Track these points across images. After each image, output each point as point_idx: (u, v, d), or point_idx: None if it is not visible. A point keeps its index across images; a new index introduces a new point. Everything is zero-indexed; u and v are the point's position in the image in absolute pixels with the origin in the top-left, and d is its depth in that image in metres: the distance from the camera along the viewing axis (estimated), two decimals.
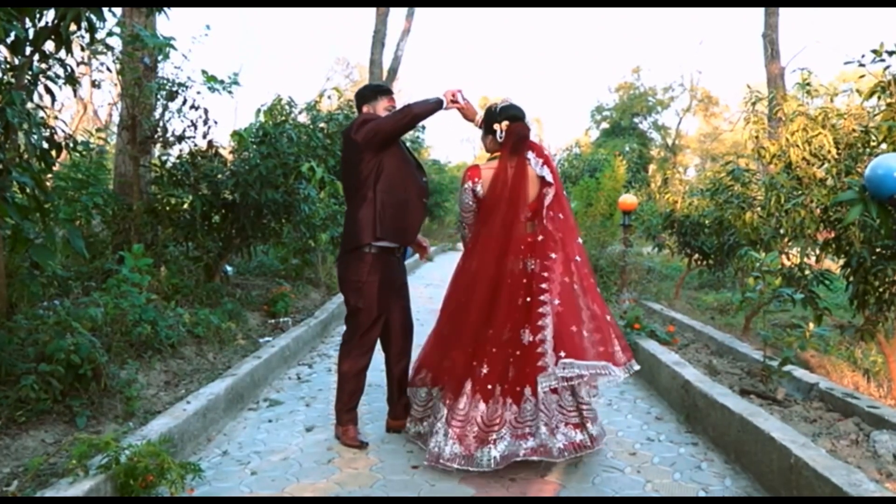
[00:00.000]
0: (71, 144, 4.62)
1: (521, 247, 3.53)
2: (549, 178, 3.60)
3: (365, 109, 3.86)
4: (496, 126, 3.62)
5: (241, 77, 7.04)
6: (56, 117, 4.74)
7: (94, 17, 4.06)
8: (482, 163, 3.69)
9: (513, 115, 3.61)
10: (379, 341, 4.00)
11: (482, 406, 3.42)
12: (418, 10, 22.13)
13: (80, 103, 22.01)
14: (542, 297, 3.45)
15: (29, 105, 4.17)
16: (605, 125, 39.91)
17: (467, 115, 3.81)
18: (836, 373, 4.95)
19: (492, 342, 3.44)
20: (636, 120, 39.71)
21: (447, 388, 3.56)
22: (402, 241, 3.82)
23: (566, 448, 3.39)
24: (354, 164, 3.73)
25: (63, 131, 4.57)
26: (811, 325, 4.12)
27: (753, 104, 6.28)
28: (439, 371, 3.67)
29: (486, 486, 3.29)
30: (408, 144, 3.99)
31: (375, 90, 3.95)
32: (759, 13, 17.45)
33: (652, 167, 35.19)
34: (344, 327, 3.96)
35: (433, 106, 3.70)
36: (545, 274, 3.49)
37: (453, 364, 3.55)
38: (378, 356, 4.07)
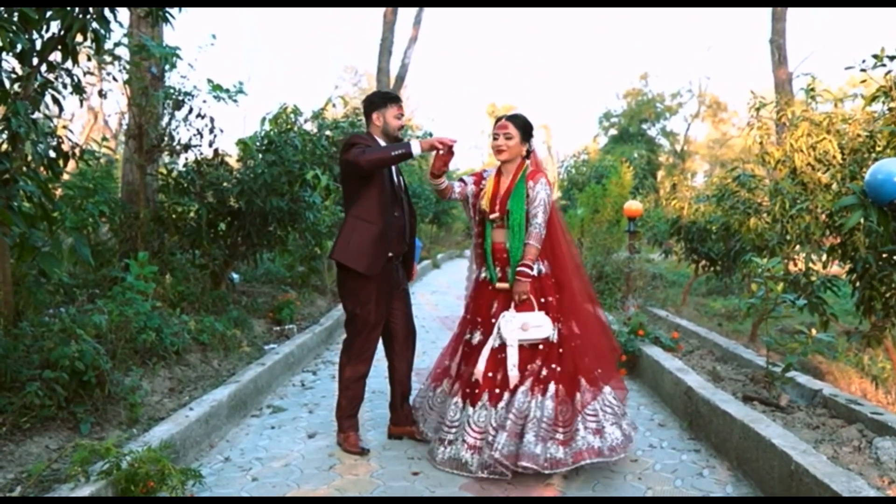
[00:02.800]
0: (78, 153, 4.66)
1: None
2: None
3: (374, 116, 3.85)
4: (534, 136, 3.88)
5: (250, 86, 7.10)
6: (65, 126, 4.78)
7: (99, 28, 4.12)
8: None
9: None
10: (382, 347, 4.01)
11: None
12: (426, 18, 22.25)
13: (91, 112, 22.22)
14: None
15: (37, 115, 4.22)
16: (613, 132, 39.86)
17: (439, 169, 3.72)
18: (844, 379, 4.92)
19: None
20: (644, 126, 39.65)
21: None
22: (361, 268, 3.70)
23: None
24: (343, 181, 3.84)
25: (70, 140, 4.62)
26: (813, 331, 4.10)
27: (758, 110, 6.26)
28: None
29: (485, 492, 3.29)
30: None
31: (385, 97, 3.95)
32: (766, 19, 17.43)
33: (661, 173, 35.14)
34: None
35: (403, 154, 3.61)
36: None
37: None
38: (380, 362, 4.08)
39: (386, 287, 3.82)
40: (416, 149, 3.59)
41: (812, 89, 5.96)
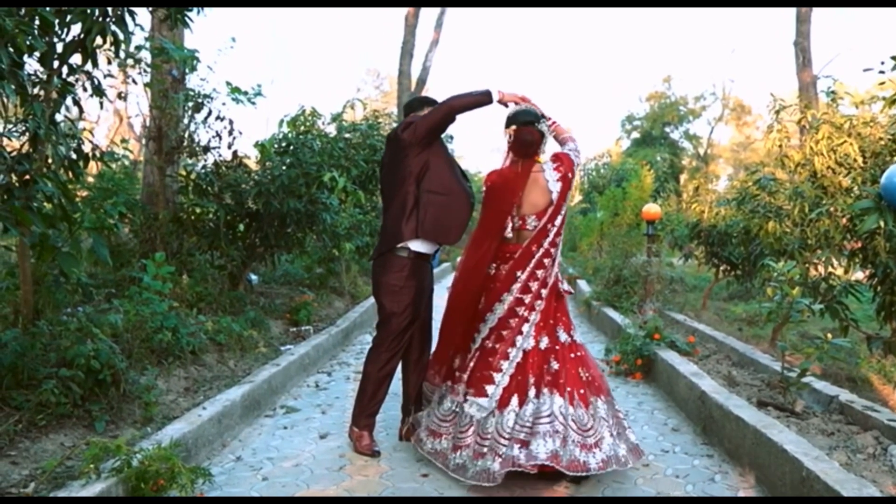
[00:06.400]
0: (98, 155, 4.73)
1: (505, 254, 3.63)
2: (555, 195, 3.62)
3: (412, 118, 3.92)
4: (506, 131, 3.70)
5: (273, 89, 7.22)
6: (87, 129, 4.84)
7: (118, 31, 4.18)
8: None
9: (521, 120, 3.66)
10: None
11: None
12: (447, 21, 22.27)
13: (117, 115, 22.54)
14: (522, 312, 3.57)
15: (58, 116, 4.29)
16: (635, 135, 39.61)
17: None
18: (866, 386, 4.85)
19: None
20: (667, 129, 39.35)
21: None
22: (445, 239, 3.82)
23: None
24: (398, 163, 3.78)
25: (90, 142, 4.68)
26: (829, 336, 4.04)
27: (777, 112, 6.19)
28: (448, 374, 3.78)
29: (493, 493, 3.28)
30: None
31: (422, 101, 4.09)
32: (791, 21, 17.25)
33: (683, 177, 34.84)
34: (366, 335, 4.02)
35: (478, 99, 3.70)
36: (533, 286, 3.59)
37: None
38: None
39: (421, 287, 3.86)
40: (495, 95, 3.69)
41: (833, 92, 5.88)
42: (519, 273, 3.58)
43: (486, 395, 3.42)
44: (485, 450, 3.32)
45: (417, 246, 3.75)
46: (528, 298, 3.56)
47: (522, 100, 3.77)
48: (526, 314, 3.55)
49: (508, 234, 3.62)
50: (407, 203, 3.71)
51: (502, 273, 3.62)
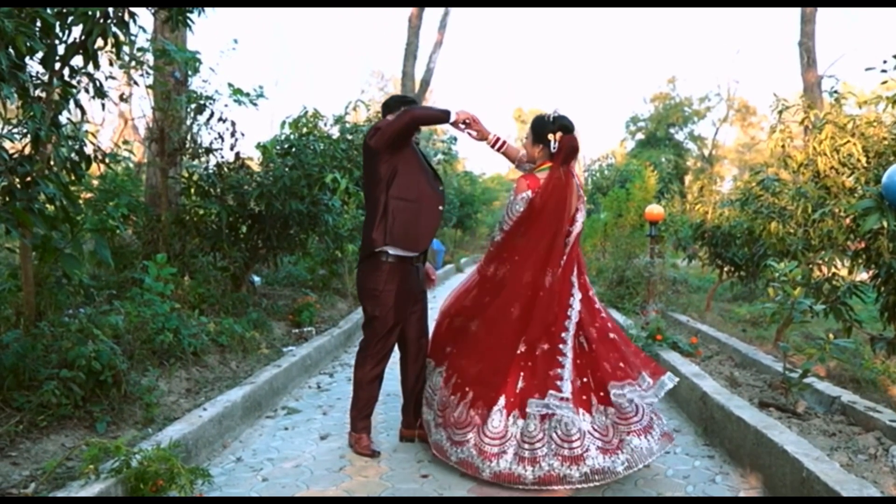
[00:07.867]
0: (100, 156, 4.74)
1: (559, 260, 3.57)
2: (583, 202, 3.72)
3: (389, 118, 3.90)
4: (550, 136, 3.60)
5: (278, 90, 7.22)
6: (88, 132, 4.85)
7: (119, 33, 4.19)
8: (539, 173, 3.62)
9: (565, 125, 3.62)
10: (397, 350, 4.02)
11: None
12: (451, 22, 22.27)
13: (121, 117, 22.59)
14: (598, 306, 3.72)
15: (62, 118, 4.30)
16: (640, 136, 39.58)
17: (481, 136, 3.84)
18: (870, 387, 4.83)
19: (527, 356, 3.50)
20: (672, 130, 39.30)
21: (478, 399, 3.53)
22: (412, 247, 3.78)
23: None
24: (371, 169, 3.80)
25: (93, 144, 4.69)
26: (831, 336, 4.02)
27: (780, 113, 6.17)
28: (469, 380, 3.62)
29: (494, 494, 3.27)
30: (440, 156, 4.03)
31: (400, 101, 4.05)
32: (795, 21, 17.21)
33: (688, 178, 34.78)
34: None
35: (437, 114, 3.84)
36: (590, 290, 3.72)
37: (482, 374, 3.55)
38: (395, 365, 4.08)
39: (405, 291, 3.83)
40: (452, 116, 3.77)
41: (836, 92, 5.87)
42: (572, 278, 3.61)
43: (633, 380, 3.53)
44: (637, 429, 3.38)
45: (396, 250, 3.74)
46: (592, 293, 3.73)
47: (473, 120, 3.77)
48: (600, 307, 3.73)
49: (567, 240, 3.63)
50: (377, 209, 3.71)
51: (557, 281, 3.54)
